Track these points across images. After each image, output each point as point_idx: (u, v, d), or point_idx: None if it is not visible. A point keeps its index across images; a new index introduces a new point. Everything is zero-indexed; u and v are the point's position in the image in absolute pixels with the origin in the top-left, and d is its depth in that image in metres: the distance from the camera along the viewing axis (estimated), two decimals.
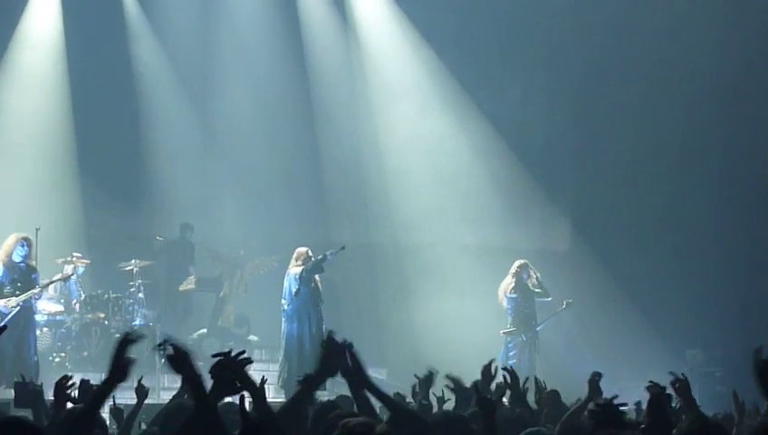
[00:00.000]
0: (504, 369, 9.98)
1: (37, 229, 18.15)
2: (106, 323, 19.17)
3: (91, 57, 21.60)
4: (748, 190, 21.85)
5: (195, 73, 22.36)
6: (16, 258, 16.83)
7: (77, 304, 19.40)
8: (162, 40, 22.04)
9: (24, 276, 16.88)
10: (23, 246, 16.91)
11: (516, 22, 22.27)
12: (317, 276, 18.19)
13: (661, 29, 21.53)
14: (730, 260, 21.23)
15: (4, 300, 16.57)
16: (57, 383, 6.85)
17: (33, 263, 17.36)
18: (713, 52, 21.33)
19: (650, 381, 8.30)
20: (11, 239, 17.12)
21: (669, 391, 8.27)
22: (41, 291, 17.43)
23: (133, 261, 19.79)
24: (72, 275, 19.28)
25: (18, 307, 16.47)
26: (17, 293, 16.79)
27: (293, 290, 17.81)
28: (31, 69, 21.58)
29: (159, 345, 5.51)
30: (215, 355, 5.61)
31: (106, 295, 19.50)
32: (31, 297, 17.04)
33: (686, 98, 21.66)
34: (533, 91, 22.40)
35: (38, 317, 18.44)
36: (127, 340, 5.38)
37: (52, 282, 17.98)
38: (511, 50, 22.14)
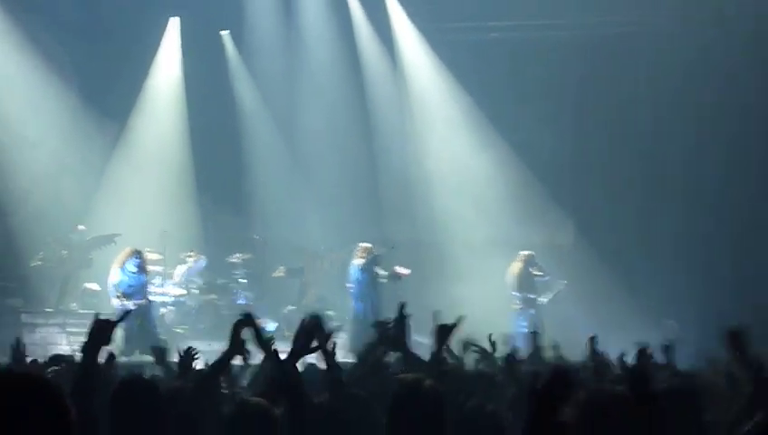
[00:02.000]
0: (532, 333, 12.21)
1: (165, 231, 21.04)
2: (217, 302, 21.43)
3: (204, 96, 23.67)
4: (722, 164, 22.41)
5: (282, 106, 24.26)
6: (131, 268, 18.52)
7: (195, 289, 21.71)
8: (257, 80, 24.28)
9: (137, 281, 18.63)
10: (136, 257, 18.84)
11: (522, 63, 23.43)
12: (379, 269, 20.54)
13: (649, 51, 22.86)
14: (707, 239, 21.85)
15: (123, 300, 18.22)
16: (185, 351, 7.78)
17: (146, 270, 19.16)
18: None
19: (638, 344, 9.20)
20: (126, 251, 19.06)
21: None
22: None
23: (237, 255, 22.14)
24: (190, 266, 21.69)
25: (134, 307, 17.78)
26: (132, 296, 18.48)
27: (356, 277, 20.19)
28: (161, 103, 23.71)
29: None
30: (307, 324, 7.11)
31: (217, 281, 22.00)
32: (146, 289, 19.01)
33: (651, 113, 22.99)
34: (540, 117, 23.19)
35: (166, 299, 20.86)
36: (242, 322, 6.91)
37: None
38: (520, 86, 23.32)
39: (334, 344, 7.51)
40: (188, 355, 8.17)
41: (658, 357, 9.79)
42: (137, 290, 18.43)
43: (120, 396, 5.59)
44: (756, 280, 20.90)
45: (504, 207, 23.53)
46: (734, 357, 7.07)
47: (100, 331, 5.80)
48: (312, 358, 7.73)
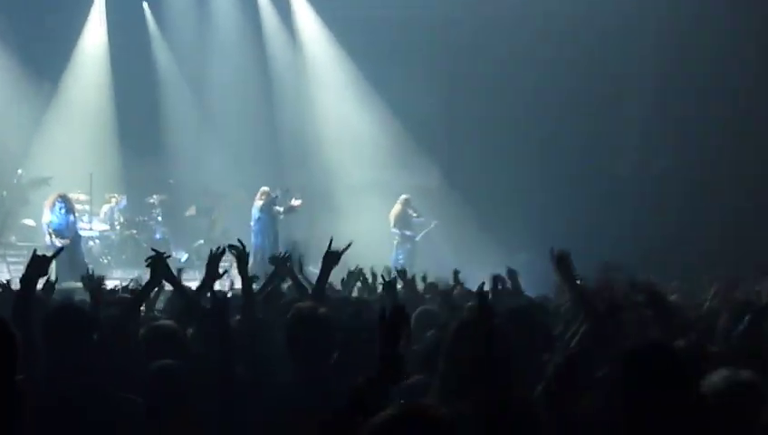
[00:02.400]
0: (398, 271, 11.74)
1: (90, 174, 21.86)
2: (137, 237, 22.58)
3: (126, 59, 24.85)
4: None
5: (194, 68, 25.53)
6: (58, 210, 19.47)
7: (118, 225, 22.75)
8: (172, 45, 25.50)
9: (64, 220, 19.55)
10: (61, 200, 19.75)
11: (403, 36, 24.48)
12: (277, 206, 21.62)
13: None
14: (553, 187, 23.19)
15: (54, 237, 19.14)
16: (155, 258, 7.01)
17: (74, 213, 20.09)
18: None
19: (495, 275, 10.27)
20: (53, 196, 19.93)
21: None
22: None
23: (154, 196, 23.37)
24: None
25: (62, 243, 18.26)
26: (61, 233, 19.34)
27: (257, 217, 21.37)
28: (89, 65, 24.71)
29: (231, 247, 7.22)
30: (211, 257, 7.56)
31: (137, 218, 23.14)
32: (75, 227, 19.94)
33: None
34: (417, 82, 24.27)
35: (92, 233, 21.87)
36: (158, 259, 6.99)
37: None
38: (400, 56, 24.69)
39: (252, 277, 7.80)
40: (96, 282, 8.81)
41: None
42: (65, 228, 19.43)
43: (53, 320, 5.58)
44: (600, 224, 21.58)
45: (383, 157, 24.86)
46: (561, 277, 7.20)
47: (37, 264, 6.14)
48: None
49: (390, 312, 3.74)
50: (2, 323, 3.10)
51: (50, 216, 19.59)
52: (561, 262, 6.95)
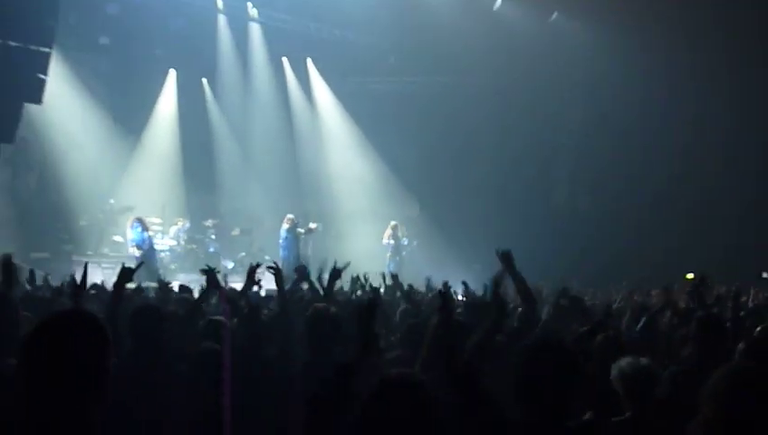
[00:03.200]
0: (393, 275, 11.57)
1: (163, 204, 21.97)
2: (196, 250, 21.91)
3: (190, 118, 24.10)
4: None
5: (239, 125, 24.83)
6: (136, 228, 19.25)
7: (182, 242, 21.97)
8: (223, 108, 24.78)
9: (141, 237, 19.23)
10: (137, 222, 19.46)
11: (391, 105, 24.51)
12: (299, 229, 21.33)
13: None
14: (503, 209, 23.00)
15: (134, 249, 19.06)
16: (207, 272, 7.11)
17: (148, 231, 19.66)
18: None
19: (463, 282, 10.32)
20: (131, 218, 19.72)
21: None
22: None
23: (209, 220, 22.75)
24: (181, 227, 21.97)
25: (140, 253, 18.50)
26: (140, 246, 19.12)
27: (283, 236, 21.09)
28: (163, 122, 24.12)
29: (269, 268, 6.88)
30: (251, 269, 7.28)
31: (196, 237, 22.44)
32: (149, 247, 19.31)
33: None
34: (400, 138, 24.33)
35: (163, 247, 21.19)
36: (211, 271, 7.09)
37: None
38: (389, 119, 24.45)
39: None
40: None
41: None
42: (141, 242, 19.15)
43: (136, 315, 5.67)
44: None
45: (375, 192, 24.78)
46: (506, 268, 6.87)
47: (125, 275, 6.10)
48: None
49: (366, 304, 3.82)
50: (93, 319, 2.99)
51: (131, 233, 19.39)
52: (505, 257, 6.80)
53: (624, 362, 4.74)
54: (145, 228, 19.58)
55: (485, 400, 3.65)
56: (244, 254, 22.71)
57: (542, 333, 5.65)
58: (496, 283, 6.20)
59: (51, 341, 2.79)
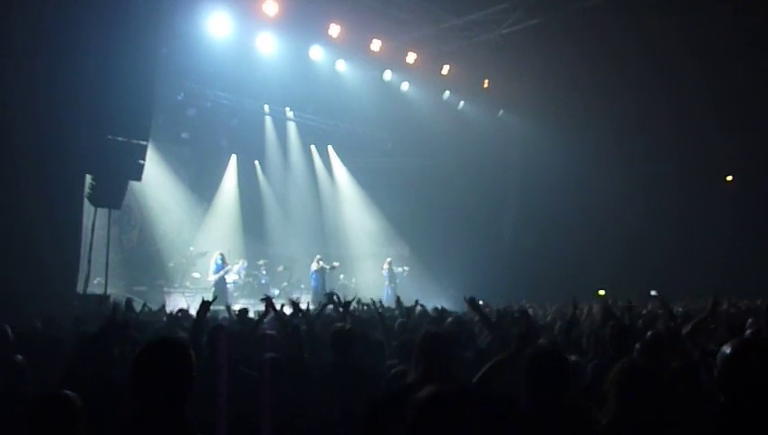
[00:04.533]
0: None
1: (229, 250, 20.69)
2: (252, 282, 21.49)
3: (247, 188, 23.95)
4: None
5: (280, 190, 24.45)
6: (218, 261, 18.87)
7: (242, 276, 21.51)
8: (270, 181, 24.32)
9: (219, 268, 18.80)
10: (220, 256, 19.15)
11: (388, 176, 24.64)
12: (321, 263, 20.82)
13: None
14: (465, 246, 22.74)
15: (214, 276, 18.61)
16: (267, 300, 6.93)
17: (227, 265, 19.25)
18: None
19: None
20: (215, 254, 19.27)
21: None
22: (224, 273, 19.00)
23: (261, 260, 22.21)
24: (240, 266, 21.50)
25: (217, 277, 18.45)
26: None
27: (313, 271, 20.72)
28: (229, 192, 23.82)
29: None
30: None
31: (252, 272, 21.91)
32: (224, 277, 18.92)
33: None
34: (395, 200, 24.47)
35: (229, 280, 19.95)
36: (267, 299, 6.96)
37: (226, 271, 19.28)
38: (387, 185, 24.71)
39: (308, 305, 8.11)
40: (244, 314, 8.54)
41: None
42: (217, 270, 18.75)
43: (211, 334, 5.41)
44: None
45: (376, 238, 24.86)
46: (473, 309, 6.95)
47: (204, 306, 5.89)
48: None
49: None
50: (182, 343, 3.06)
51: (213, 265, 19.03)
52: (471, 302, 6.88)
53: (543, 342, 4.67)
54: (224, 262, 19.24)
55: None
56: (286, 283, 22.65)
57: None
58: (473, 305, 6.32)
59: (156, 359, 2.86)
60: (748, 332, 5.19)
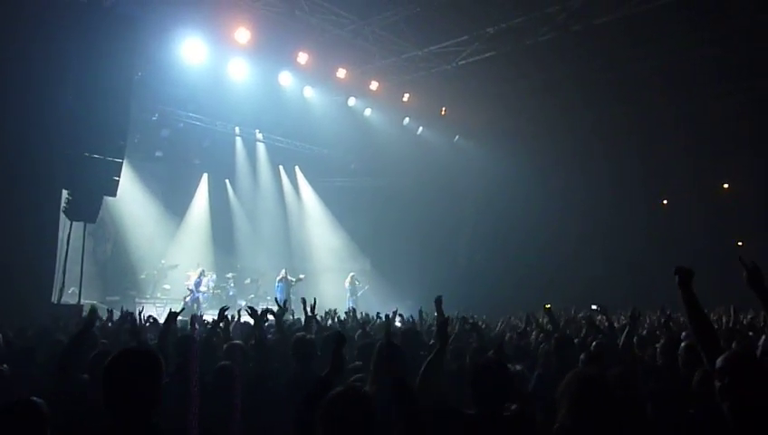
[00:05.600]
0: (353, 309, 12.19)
1: (198, 263, 20.96)
2: (221, 294, 21.25)
3: (217, 205, 23.86)
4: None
5: (250, 206, 24.20)
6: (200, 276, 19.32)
7: (211, 288, 21.15)
8: (240, 199, 24.24)
9: (198, 281, 19.23)
10: (202, 274, 19.67)
11: (350, 196, 24.16)
12: (288, 277, 20.65)
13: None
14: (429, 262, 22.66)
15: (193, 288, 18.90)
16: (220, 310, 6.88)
17: (206, 281, 19.80)
18: None
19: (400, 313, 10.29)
20: (198, 270, 19.72)
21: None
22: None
23: (230, 273, 22.22)
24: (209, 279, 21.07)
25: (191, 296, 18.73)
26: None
27: (279, 284, 20.36)
28: (200, 208, 23.68)
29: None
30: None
31: (221, 284, 21.73)
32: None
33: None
34: (357, 217, 24.04)
35: (199, 292, 19.78)
36: (263, 311, 6.93)
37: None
38: (350, 204, 24.10)
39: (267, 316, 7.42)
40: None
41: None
42: (196, 285, 19.26)
43: (179, 342, 5.35)
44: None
45: (339, 253, 24.69)
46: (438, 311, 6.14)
47: (171, 316, 5.90)
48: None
49: (336, 337, 3.75)
50: (152, 352, 2.98)
51: (193, 278, 19.51)
52: (437, 301, 6.27)
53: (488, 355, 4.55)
54: (202, 279, 19.60)
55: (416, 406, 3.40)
56: (253, 295, 22.36)
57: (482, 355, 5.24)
58: (438, 304, 6.04)
59: (124, 368, 2.78)
60: (683, 343, 5.27)
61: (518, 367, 4.76)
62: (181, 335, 5.73)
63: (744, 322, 9.60)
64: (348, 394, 2.88)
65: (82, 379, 4.64)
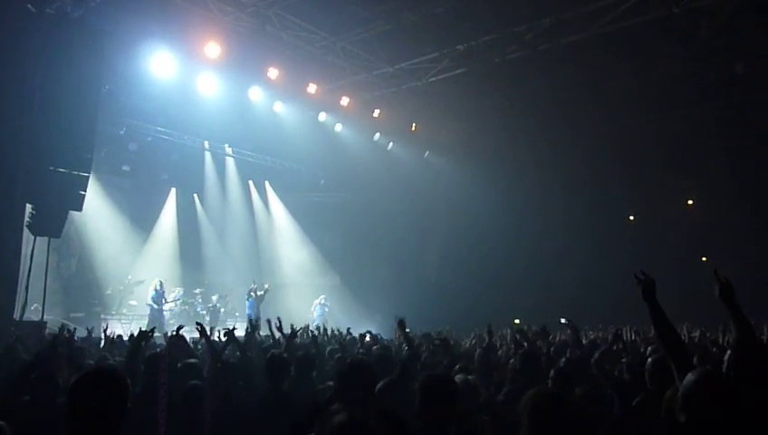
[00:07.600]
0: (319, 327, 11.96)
1: (165, 279, 20.33)
2: (188, 310, 21.28)
3: (185, 220, 23.59)
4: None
5: (218, 223, 24.18)
6: (158, 288, 19.01)
7: (179, 304, 21.27)
8: (209, 214, 24.16)
9: (158, 296, 19.06)
10: (160, 285, 19.25)
11: (323, 211, 23.85)
12: (258, 292, 20.57)
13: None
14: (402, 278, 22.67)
15: (152, 303, 18.73)
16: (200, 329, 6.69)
17: (165, 292, 19.47)
18: None
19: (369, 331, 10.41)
20: (155, 282, 19.30)
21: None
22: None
23: (198, 289, 22.28)
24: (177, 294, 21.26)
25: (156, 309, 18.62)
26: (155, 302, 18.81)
27: (248, 300, 20.46)
28: (167, 223, 23.38)
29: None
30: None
31: (189, 300, 21.73)
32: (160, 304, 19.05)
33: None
34: (326, 232, 24.00)
35: (165, 308, 19.98)
36: (231, 331, 7.09)
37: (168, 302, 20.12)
38: (320, 219, 23.94)
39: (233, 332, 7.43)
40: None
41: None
42: (157, 299, 19.10)
43: (148, 360, 5.27)
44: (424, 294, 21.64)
45: (308, 269, 24.69)
46: (399, 331, 6.82)
47: (141, 334, 5.66)
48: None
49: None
50: (117, 372, 2.93)
51: (152, 291, 19.17)
52: (400, 323, 6.68)
53: (458, 379, 4.47)
54: (163, 289, 19.41)
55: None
56: (222, 308, 22.48)
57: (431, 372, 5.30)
58: (401, 326, 6.22)
59: (90, 388, 2.74)
60: (649, 359, 5.36)
61: (470, 377, 4.65)
62: (150, 354, 5.65)
63: (706, 338, 9.77)
64: (353, 426, 2.75)
65: (23, 401, 4.55)
